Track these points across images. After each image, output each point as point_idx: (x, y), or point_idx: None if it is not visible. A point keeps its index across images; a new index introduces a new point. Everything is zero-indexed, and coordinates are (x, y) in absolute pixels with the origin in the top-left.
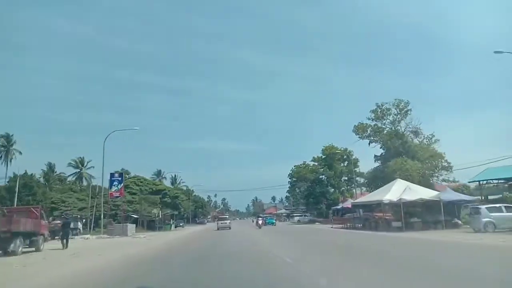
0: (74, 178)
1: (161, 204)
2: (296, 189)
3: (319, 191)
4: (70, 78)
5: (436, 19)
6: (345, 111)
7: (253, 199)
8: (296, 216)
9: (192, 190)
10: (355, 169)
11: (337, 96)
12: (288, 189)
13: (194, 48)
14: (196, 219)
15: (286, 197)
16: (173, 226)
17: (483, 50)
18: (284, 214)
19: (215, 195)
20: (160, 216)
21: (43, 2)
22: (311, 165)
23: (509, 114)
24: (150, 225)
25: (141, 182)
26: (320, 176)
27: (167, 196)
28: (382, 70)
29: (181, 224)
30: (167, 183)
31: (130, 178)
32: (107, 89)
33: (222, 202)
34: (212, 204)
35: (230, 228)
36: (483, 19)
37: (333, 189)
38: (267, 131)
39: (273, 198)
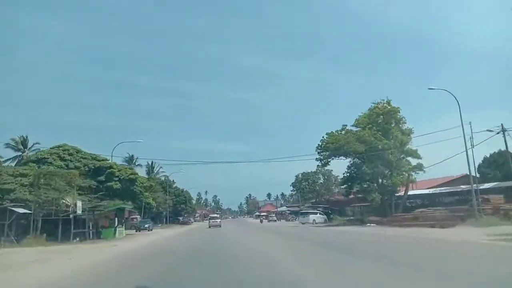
0: (13, 163)
1: (103, 191)
2: (300, 182)
3: (370, 172)
4: (66, 79)
5: (433, 21)
6: (343, 113)
7: (246, 196)
8: (311, 214)
9: (173, 180)
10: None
11: (335, 98)
12: (293, 182)
13: (191, 49)
14: (180, 218)
15: (282, 194)
16: (120, 230)
17: (482, 52)
18: (287, 212)
19: (206, 193)
20: (80, 211)
21: (37, 4)
22: (354, 131)
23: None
24: (66, 228)
25: (70, 154)
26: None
27: (116, 179)
28: (379, 72)
29: (146, 226)
30: (142, 173)
31: (54, 147)
32: (102, 89)
33: (213, 200)
34: (202, 202)
35: (220, 226)
36: (481, 21)
37: (388, 171)
38: (264, 132)
39: (269, 195)
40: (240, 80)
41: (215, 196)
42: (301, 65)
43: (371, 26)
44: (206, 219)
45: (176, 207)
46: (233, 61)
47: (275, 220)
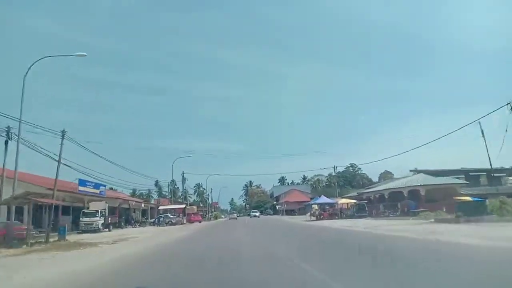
0: None
1: None
2: None
3: None
4: (49, 77)
5: (420, 19)
6: (330, 111)
7: (245, 184)
8: None
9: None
10: None
11: (323, 96)
12: None
13: (175, 47)
14: None
15: (304, 178)
16: None
17: (466, 48)
18: None
19: (184, 180)
20: None
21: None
22: None
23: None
24: None
25: None
26: None
27: None
28: (367, 71)
29: None
30: None
31: None
32: (84, 88)
33: (195, 191)
34: (181, 193)
35: (236, 219)
36: (467, 17)
37: None
38: (249, 130)
39: (282, 180)
40: (228, 78)
41: (199, 185)
42: (294, 64)
43: (357, 25)
44: (229, 215)
45: None
46: (222, 58)
47: None
